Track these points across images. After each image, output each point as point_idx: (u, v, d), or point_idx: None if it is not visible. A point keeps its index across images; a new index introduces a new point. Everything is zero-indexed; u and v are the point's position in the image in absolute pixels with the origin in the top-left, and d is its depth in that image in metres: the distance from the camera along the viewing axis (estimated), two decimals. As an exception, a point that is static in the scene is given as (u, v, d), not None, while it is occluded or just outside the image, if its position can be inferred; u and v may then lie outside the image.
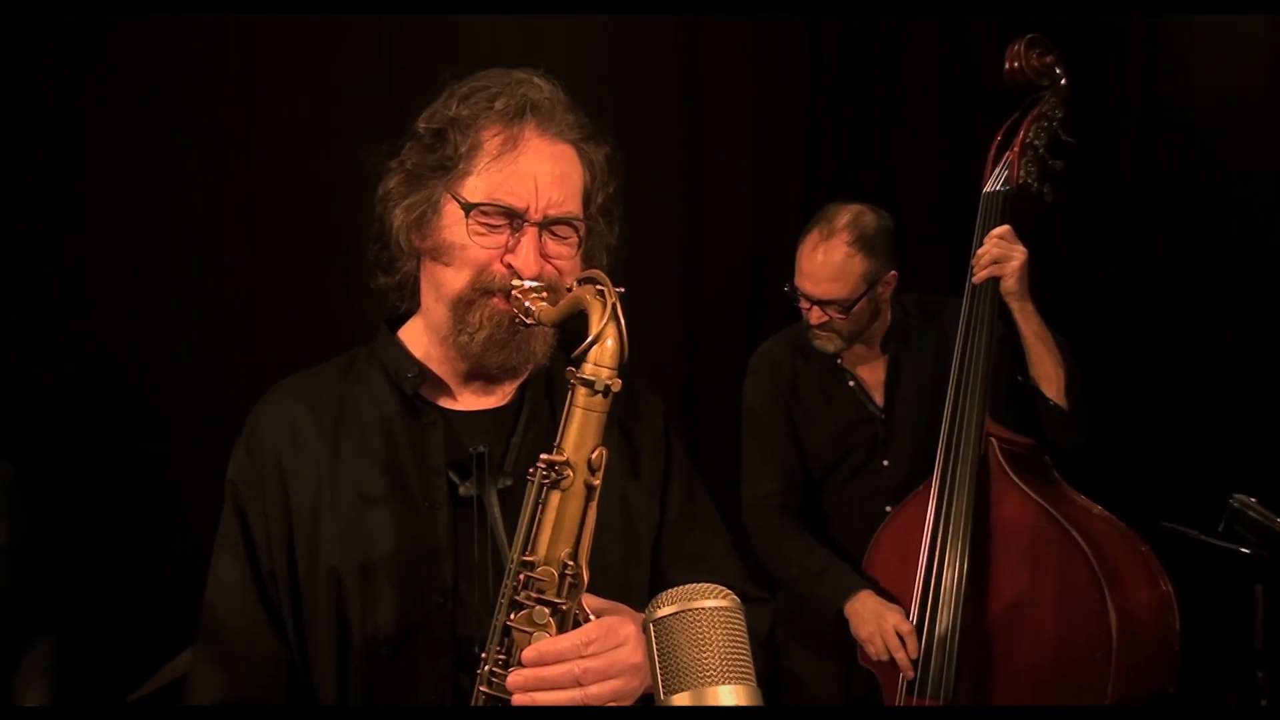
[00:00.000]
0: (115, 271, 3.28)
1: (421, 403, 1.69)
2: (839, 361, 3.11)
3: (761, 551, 3.04)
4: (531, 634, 1.43)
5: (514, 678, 1.42)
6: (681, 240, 3.71)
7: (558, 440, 1.45)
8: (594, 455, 1.44)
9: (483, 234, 1.59)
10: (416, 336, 1.73)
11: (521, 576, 1.44)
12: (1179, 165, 3.67)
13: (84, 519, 3.24)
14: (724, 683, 1.23)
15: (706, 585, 1.29)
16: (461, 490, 1.63)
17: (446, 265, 1.62)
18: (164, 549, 3.26)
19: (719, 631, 1.25)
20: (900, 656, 2.70)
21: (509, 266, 1.59)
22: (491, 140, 1.61)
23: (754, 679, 1.25)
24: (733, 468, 3.18)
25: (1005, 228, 2.79)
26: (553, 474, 1.44)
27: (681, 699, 1.23)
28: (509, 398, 1.74)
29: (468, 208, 1.59)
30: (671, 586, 1.28)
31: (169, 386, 3.32)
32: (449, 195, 1.61)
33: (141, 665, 2.76)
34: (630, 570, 1.71)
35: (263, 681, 1.62)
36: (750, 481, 3.13)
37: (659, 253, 3.59)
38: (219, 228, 3.35)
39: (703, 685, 1.23)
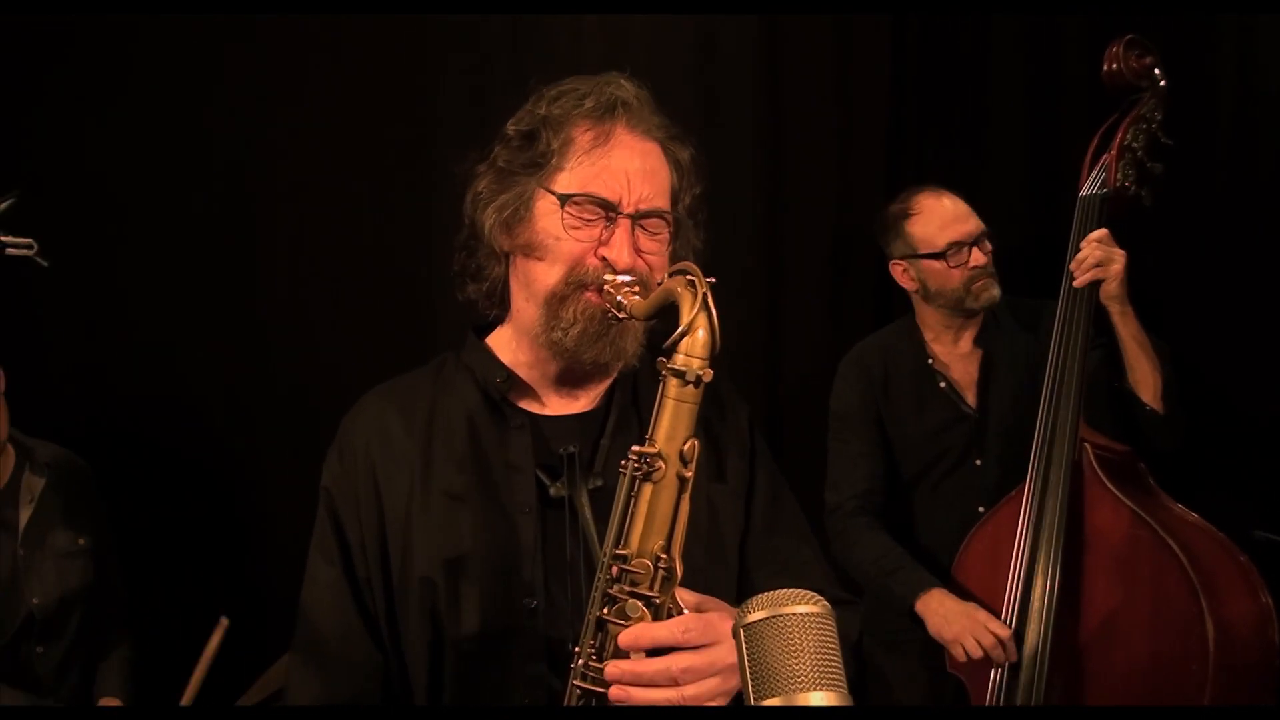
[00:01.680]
0: (207, 280, 3.34)
1: (509, 407, 1.71)
2: (929, 363, 3.10)
3: (840, 554, 3.03)
4: (626, 627, 1.43)
5: (611, 668, 1.41)
6: (763, 242, 3.68)
7: (649, 432, 1.45)
8: (686, 447, 1.44)
9: (577, 226, 1.61)
10: (503, 344, 1.75)
11: (614, 570, 1.45)
12: (1275, 163, 3.57)
13: (179, 525, 3.30)
14: (816, 689, 1.22)
15: (798, 590, 1.28)
16: (552, 491, 1.64)
17: (539, 260, 1.64)
18: (260, 554, 3.33)
19: (810, 637, 1.24)
20: (998, 653, 2.66)
21: (602, 259, 1.60)
22: (583, 136, 1.63)
23: (845, 685, 1.24)
24: (818, 471, 3.16)
25: (1103, 231, 2.77)
26: (645, 466, 1.43)
27: (772, 705, 1.23)
28: (595, 403, 1.75)
29: (563, 199, 1.61)
30: (757, 591, 1.28)
31: (264, 394, 3.38)
32: (542, 190, 1.63)
33: (240, 672, 2.82)
34: (715, 573, 1.71)
35: (358, 684, 1.65)
36: (834, 486, 3.12)
37: (741, 254, 3.58)
38: (307, 236, 3.40)
39: (794, 691, 1.22)
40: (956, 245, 3.01)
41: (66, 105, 3.25)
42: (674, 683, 1.40)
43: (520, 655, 1.62)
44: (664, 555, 1.44)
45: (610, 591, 1.45)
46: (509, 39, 3.41)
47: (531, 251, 1.64)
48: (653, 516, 1.44)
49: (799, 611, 1.25)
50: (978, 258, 3.01)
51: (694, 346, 1.42)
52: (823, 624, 1.26)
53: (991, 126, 3.75)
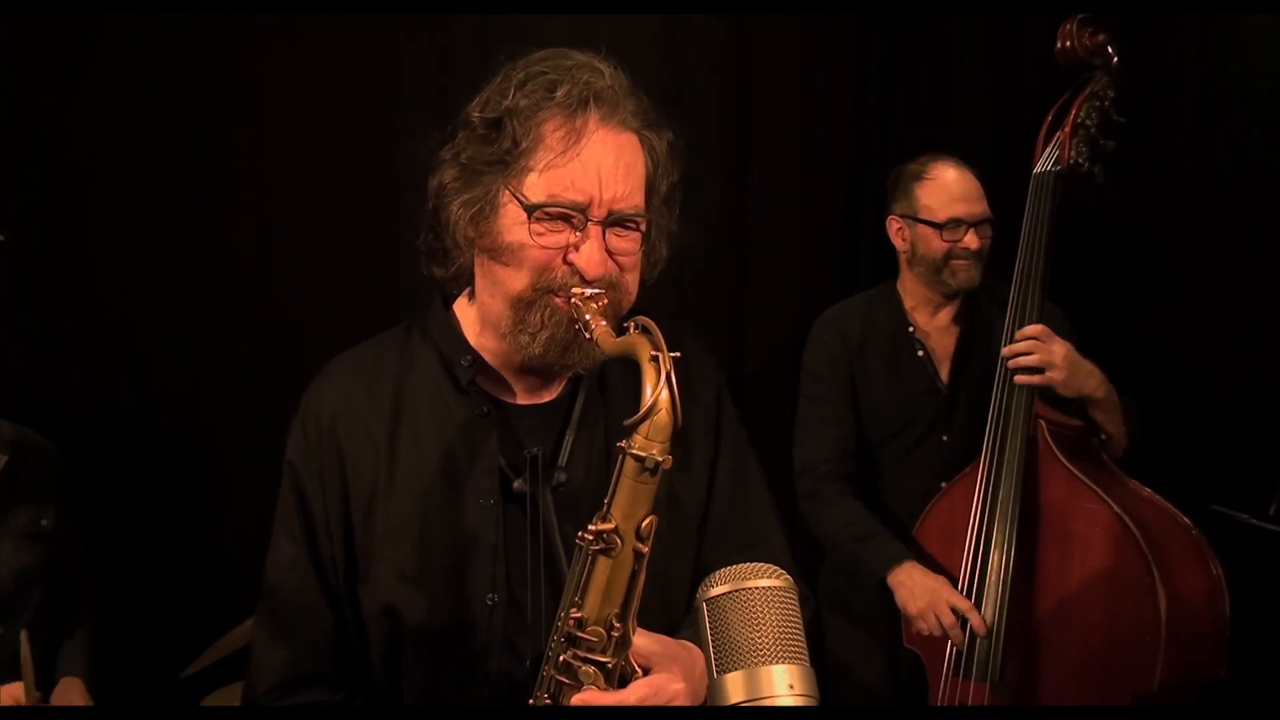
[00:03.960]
0: (168, 256, 3.29)
1: (475, 391, 1.67)
2: (910, 330, 3.10)
3: (809, 515, 3.04)
4: (579, 690, 1.45)
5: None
6: (729, 220, 3.68)
7: (605, 509, 1.42)
8: (644, 524, 1.41)
9: (544, 234, 1.54)
10: (470, 319, 1.71)
11: (569, 632, 1.45)
12: (1234, 148, 3.61)
13: (142, 499, 3.27)
14: (777, 662, 1.24)
15: (759, 565, 1.29)
16: (515, 486, 1.63)
17: (505, 265, 1.56)
18: (221, 527, 3.30)
19: (772, 611, 1.26)
20: (955, 634, 2.69)
21: (570, 265, 1.54)
22: (553, 134, 1.54)
23: (807, 658, 1.27)
24: (782, 440, 3.16)
25: (1039, 327, 2.76)
26: (601, 542, 1.41)
27: (735, 678, 1.25)
28: (562, 390, 1.72)
29: (530, 209, 1.53)
30: (714, 568, 1.29)
31: (227, 367, 3.34)
32: (509, 193, 1.55)
33: (196, 642, 2.81)
34: (674, 562, 1.70)
35: (322, 657, 1.65)
36: (804, 445, 3.11)
37: (707, 228, 3.57)
38: (271, 211, 3.35)
39: (756, 664, 1.24)
40: (956, 222, 2.99)
41: (27, 84, 3.18)
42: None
43: (479, 647, 1.61)
44: (619, 624, 1.43)
45: (564, 657, 1.46)
46: (475, 21, 3.36)
47: (498, 255, 1.57)
48: (610, 588, 1.43)
49: (760, 585, 1.28)
50: (971, 241, 2.99)
51: (654, 431, 1.37)
52: (784, 598, 1.28)
53: (954, 106, 3.76)
